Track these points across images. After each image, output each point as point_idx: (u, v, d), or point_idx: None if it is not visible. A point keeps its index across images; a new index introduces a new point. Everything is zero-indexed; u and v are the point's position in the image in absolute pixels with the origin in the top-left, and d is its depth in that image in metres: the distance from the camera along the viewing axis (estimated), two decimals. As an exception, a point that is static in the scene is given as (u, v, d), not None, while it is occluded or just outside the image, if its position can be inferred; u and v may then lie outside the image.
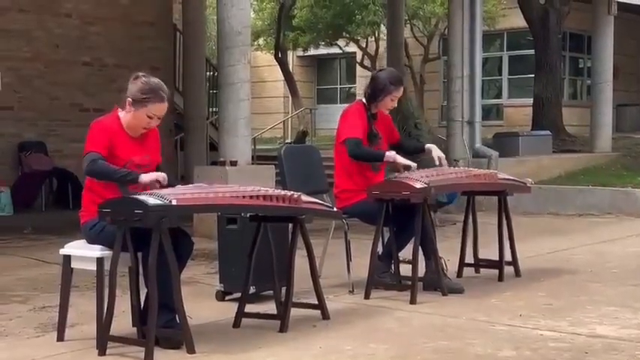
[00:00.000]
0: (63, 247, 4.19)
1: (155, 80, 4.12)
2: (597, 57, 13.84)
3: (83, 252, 4.09)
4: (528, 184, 5.96)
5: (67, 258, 4.15)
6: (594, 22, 13.76)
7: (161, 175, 3.97)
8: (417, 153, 5.72)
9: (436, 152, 5.44)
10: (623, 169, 12.11)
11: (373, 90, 5.41)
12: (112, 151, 4.03)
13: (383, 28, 19.94)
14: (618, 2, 14.20)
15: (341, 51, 24.50)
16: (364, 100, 5.48)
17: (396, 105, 5.56)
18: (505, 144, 12.14)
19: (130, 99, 4.08)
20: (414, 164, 5.29)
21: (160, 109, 4.09)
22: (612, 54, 13.75)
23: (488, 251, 5.93)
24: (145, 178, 3.93)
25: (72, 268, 4.15)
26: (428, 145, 5.52)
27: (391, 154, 5.28)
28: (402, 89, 5.46)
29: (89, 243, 4.10)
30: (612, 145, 13.89)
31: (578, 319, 4.50)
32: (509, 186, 5.81)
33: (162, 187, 3.93)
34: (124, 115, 4.13)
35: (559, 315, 4.59)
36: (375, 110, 5.45)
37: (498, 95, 22.14)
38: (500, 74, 22.06)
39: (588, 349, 3.89)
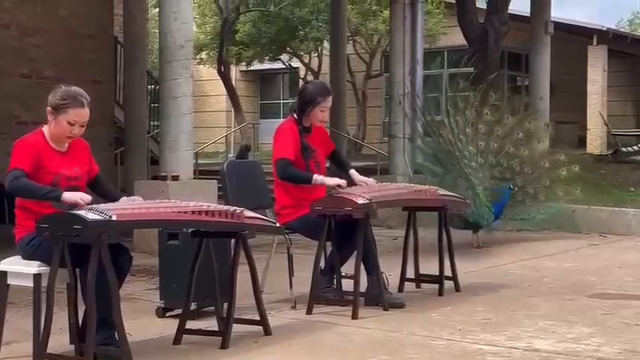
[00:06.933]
0: (-1, 263, 4.10)
1: (75, 88, 4.12)
2: (534, 75, 14.14)
3: (20, 268, 4.00)
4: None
5: (3, 274, 4.06)
6: (532, 41, 14.07)
7: (83, 197, 3.85)
8: (344, 171, 5.70)
9: (357, 177, 5.46)
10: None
11: (301, 104, 5.42)
12: (40, 166, 3.97)
13: (326, 44, 20.07)
14: (555, 22, 14.55)
15: (284, 66, 24.57)
16: (295, 115, 5.47)
17: (327, 116, 5.57)
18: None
19: (49, 108, 4.07)
20: (343, 182, 5.28)
21: (80, 114, 4.05)
22: (549, 72, 14.08)
23: (429, 266, 6.00)
24: (67, 195, 3.83)
25: (8, 285, 4.07)
26: (350, 172, 5.53)
27: (319, 178, 5.25)
28: (330, 100, 5.43)
29: (25, 259, 4.02)
30: (549, 161, 14.15)
31: (516, 333, 4.58)
32: (450, 202, 5.91)
33: (83, 206, 3.79)
34: (47, 129, 4.10)
35: (497, 329, 4.66)
36: (307, 124, 5.44)
37: (439, 112, 22.39)
38: (441, 91, 22.33)
39: (526, 362, 3.96)
